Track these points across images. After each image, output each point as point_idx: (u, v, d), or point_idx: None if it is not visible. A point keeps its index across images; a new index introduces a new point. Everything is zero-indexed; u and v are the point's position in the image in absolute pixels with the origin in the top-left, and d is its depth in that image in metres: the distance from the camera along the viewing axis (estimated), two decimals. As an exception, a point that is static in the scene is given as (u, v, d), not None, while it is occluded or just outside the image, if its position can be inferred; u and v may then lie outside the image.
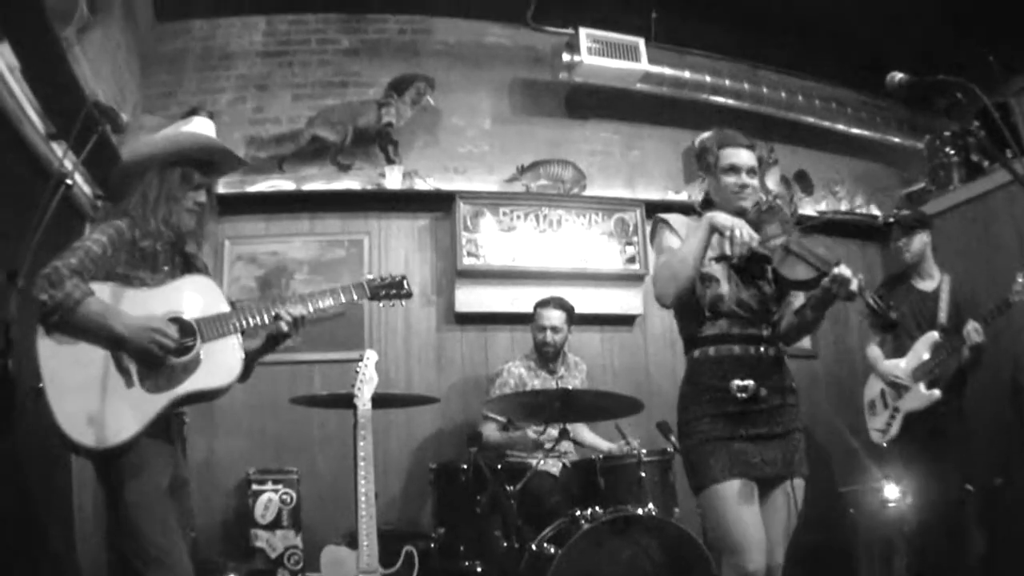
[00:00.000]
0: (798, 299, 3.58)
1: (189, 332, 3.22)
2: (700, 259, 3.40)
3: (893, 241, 5.88)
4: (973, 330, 5.31)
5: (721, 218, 3.37)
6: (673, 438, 4.77)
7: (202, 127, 3.59)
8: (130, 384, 3.08)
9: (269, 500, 5.52)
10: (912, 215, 5.96)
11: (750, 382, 3.35)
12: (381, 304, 3.84)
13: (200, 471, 5.60)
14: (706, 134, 3.73)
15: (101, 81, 5.50)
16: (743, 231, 3.30)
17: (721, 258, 3.40)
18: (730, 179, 3.57)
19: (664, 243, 3.65)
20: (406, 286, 3.86)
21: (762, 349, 3.47)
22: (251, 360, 3.50)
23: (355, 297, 3.69)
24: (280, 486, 5.56)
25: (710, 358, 3.48)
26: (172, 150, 3.46)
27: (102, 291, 3.09)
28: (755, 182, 3.59)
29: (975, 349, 5.34)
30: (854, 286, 3.17)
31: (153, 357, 3.09)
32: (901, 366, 5.64)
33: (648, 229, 4.04)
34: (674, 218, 3.70)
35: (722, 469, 3.30)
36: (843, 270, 3.18)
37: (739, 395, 3.34)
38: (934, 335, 5.57)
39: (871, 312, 3.27)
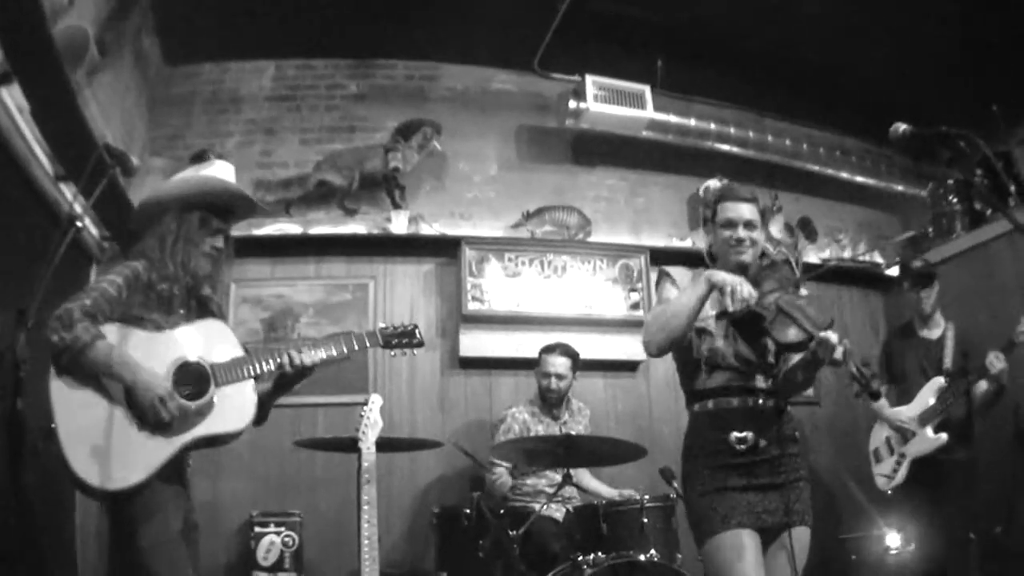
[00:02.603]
0: (794, 356, 3.58)
1: (203, 377, 3.23)
2: (695, 314, 3.40)
3: (912, 291, 5.90)
4: (995, 357, 5.33)
5: (720, 275, 3.36)
6: (676, 484, 4.78)
7: (222, 172, 3.60)
8: (143, 427, 3.07)
9: (271, 542, 5.47)
10: (927, 266, 5.96)
11: (748, 433, 3.38)
12: (393, 353, 3.79)
13: (203, 513, 5.49)
14: (711, 181, 3.75)
15: (110, 123, 5.54)
16: (743, 288, 3.28)
17: (722, 315, 3.42)
18: (726, 232, 3.57)
19: (664, 295, 3.69)
20: (418, 335, 3.82)
21: (760, 401, 3.48)
22: (264, 404, 3.49)
23: (368, 345, 3.67)
24: (283, 528, 5.51)
25: (709, 411, 3.51)
26: (192, 193, 3.48)
27: (112, 332, 3.09)
28: (754, 235, 3.58)
29: (997, 378, 5.36)
30: (839, 353, 3.17)
31: (149, 418, 3.07)
32: (907, 412, 5.68)
33: (653, 276, 4.04)
34: (676, 272, 3.75)
35: (722, 519, 3.30)
36: (830, 336, 3.17)
37: (738, 447, 3.37)
38: (940, 380, 5.63)
39: (854, 380, 3.27)
